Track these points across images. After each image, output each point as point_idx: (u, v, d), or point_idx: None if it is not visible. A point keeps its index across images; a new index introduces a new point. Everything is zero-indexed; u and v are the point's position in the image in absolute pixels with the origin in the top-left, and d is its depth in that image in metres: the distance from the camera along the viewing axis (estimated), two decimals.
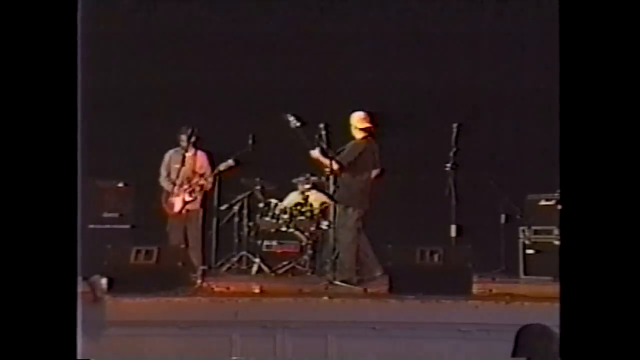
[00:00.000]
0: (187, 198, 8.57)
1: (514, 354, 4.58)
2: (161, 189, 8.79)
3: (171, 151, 8.84)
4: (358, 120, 8.02)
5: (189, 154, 8.63)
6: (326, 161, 7.88)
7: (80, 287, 5.63)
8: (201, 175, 8.64)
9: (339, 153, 7.96)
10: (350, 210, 7.83)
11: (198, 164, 8.74)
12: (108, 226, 8.93)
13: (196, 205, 8.68)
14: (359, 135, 8.03)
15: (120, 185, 9.16)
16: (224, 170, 8.57)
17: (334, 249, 7.85)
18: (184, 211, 8.63)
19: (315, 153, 7.93)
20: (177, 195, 8.61)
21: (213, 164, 8.79)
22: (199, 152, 8.78)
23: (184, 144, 8.68)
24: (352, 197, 7.84)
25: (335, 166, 7.81)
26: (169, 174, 8.77)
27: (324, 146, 7.93)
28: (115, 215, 9.03)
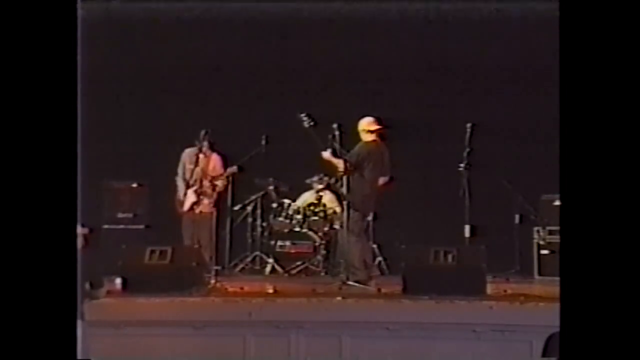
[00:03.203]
0: (194, 199, 8.60)
1: (544, 355, 4.58)
2: (175, 188, 8.81)
3: (188, 150, 8.81)
4: (367, 124, 8.02)
5: (202, 156, 8.63)
6: (338, 162, 7.87)
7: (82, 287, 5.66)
8: (213, 178, 8.65)
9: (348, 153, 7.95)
10: (355, 213, 7.80)
11: (211, 166, 8.74)
12: (122, 226, 8.98)
13: (209, 207, 8.68)
14: (368, 138, 8.02)
15: (135, 185, 9.20)
16: (229, 176, 8.47)
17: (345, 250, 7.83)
18: (197, 212, 8.65)
19: (327, 154, 7.92)
20: (187, 194, 8.64)
21: (227, 166, 8.75)
22: (214, 155, 8.76)
23: (198, 144, 8.67)
24: (357, 200, 7.81)
25: (346, 166, 7.80)
26: (183, 173, 8.79)
27: (337, 147, 7.93)
28: (130, 215, 9.07)
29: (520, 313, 6.38)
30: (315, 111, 9.35)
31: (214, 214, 8.58)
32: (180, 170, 8.80)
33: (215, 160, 8.76)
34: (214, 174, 8.69)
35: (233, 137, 9.00)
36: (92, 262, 6.33)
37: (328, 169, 8.47)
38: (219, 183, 8.62)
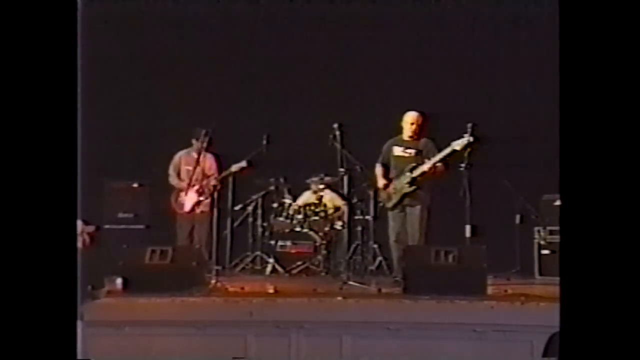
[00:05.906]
0: (195, 199, 8.65)
1: (544, 355, 4.59)
2: (171, 190, 8.86)
3: (181, 152, 8.90)
4: (418, 118, 8.12)
5: (201, 156, 8.69)
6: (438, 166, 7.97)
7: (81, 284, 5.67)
8: (209, 177, 8.72)
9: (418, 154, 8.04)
10: (419, 207, 7.95)
11: (207, 166, 8.81)
12: (123, 226, 8.98)
13: (206, 207, 8.72)
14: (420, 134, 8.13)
15: (135, 185, 9.21)
16: (236, 172, 8.57)
17: (349, 249, 7.82)
18: (198, 212, 8.69)
19: (426, 167, 7.92)
20: (188, 195, 8.67)
21: (220, 165, 8.81)
22: (208, 154, 8.83)
23: (197, 145, 8.71)
24: (425, 195, 7.99)
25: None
26: (179, 174, 8.82)
27: (338, 146, 7.97)
28: (130, 215, 9.08)
29: (521, 313, 6.36)
30: (315, 111, 9.40)
31: (210, 215, 8.56)
32: (174, 172, 8.83)
33: (210, 160, 8.84)
34: (210, 173, 8.76)
35: (233, 137, 9.00)
36: (92, 262, 6.35)
37: (328, 168, 8.51)
38: (216, 182, 8.64)
